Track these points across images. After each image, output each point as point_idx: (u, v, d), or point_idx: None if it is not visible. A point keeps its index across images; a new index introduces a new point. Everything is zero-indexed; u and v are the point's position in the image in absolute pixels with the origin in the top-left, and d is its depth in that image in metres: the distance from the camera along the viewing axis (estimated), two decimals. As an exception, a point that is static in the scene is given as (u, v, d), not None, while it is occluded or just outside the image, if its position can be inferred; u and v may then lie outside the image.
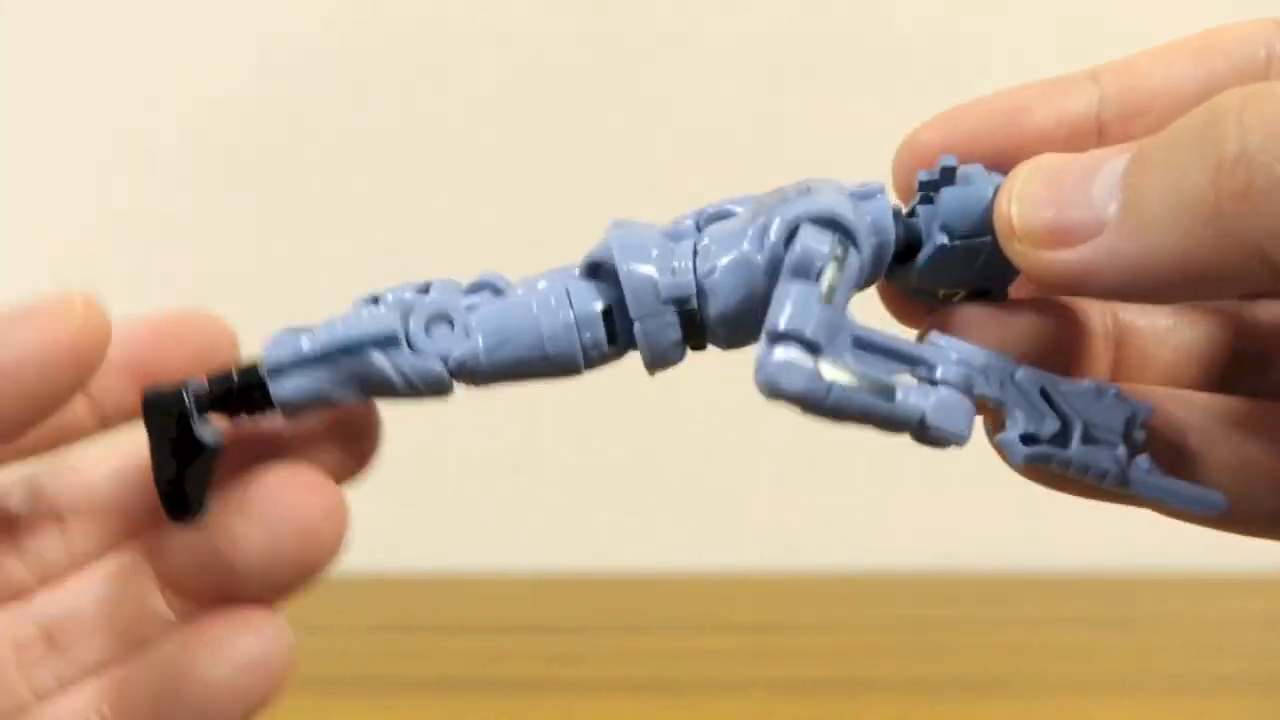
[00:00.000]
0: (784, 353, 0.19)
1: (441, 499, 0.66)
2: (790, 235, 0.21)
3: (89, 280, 0.71)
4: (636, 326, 0.22)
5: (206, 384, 0.22)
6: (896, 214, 0.23)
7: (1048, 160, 0.21)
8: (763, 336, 0.20)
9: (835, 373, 0.20)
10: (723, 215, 0.23)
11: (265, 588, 0.22)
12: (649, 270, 0.22)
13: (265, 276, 0.66)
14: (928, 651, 0.57)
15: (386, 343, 0.22)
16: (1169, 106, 0.22)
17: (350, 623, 0.57)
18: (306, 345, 0.22)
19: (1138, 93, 0.22)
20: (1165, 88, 0.22)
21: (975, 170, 0.23)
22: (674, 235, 0.23)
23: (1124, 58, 0.23)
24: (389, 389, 0.23)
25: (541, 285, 0.23)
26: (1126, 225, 0.19)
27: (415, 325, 0.23)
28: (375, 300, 0.23)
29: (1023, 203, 0.20)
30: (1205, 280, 0.18)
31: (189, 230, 0.66)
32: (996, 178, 0.22)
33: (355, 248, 0.66)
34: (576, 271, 0.23)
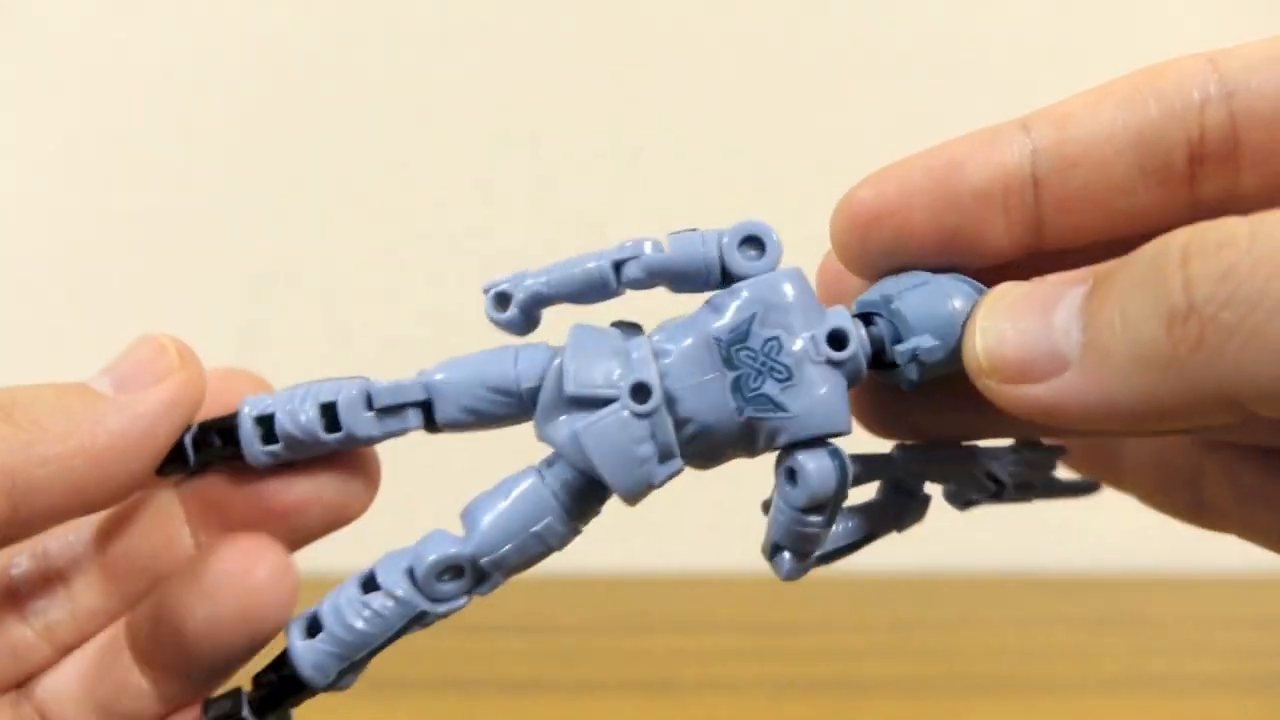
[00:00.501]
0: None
1: (441, 499, 0.65)
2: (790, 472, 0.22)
3: (90, 281, 0.71)
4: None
5: (254, 689, 0.24)
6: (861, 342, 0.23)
7: (1009, 293, 0.21)
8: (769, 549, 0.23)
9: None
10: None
11: (214, 655, 0.24)
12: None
13: (265, 276, 0.66)
14: (928, 651, 0.57)
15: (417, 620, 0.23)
16: (1103, 159, 0.22)
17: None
18: (336, 661, 0.23)
19: (1071, 144, 0.22)
20: (1098, 138, 0.22)
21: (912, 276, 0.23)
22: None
23: (1057, 104, 0.23)
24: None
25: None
26: (1090, 369, 0.19)
27: (426, 589, 0.23)
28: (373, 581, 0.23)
29: (987, 338, 0.21)
30: (1173, 420, 0.19)
31: (189, 230, 0.66)
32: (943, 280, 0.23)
33: (355, 247, 0.66)
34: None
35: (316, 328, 0.66)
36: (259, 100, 0.66)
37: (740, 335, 0.22)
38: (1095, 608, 0.61)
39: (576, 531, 0.23)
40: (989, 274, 0.23)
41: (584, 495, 0.23)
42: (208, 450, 0.24)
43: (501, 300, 0.23)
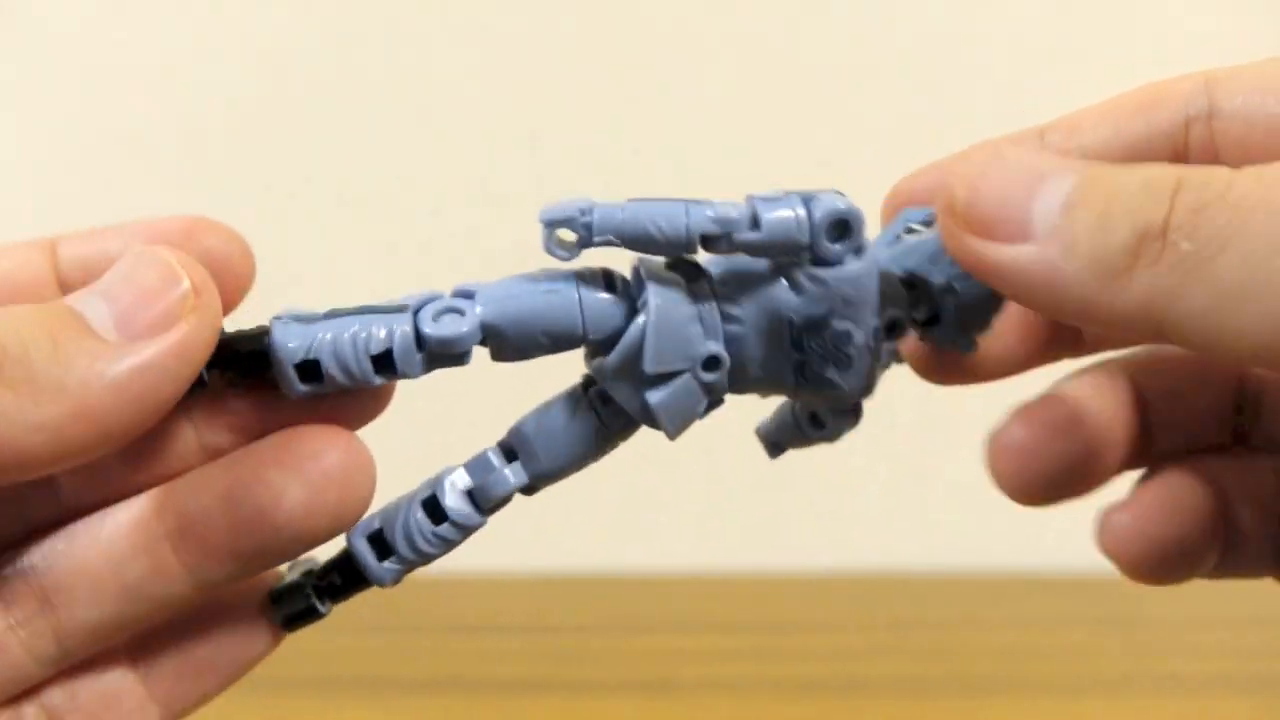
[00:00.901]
0: None
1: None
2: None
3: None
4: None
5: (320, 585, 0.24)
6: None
7: (1006, 155, 0.22)
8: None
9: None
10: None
11: (297, 541, 0.22)
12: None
13: (264, 276, 0.66)
14: (928, 651, 0.57)
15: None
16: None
17: (350, 623, 0.56)
18: (404, 573, 0.24)
19: (1077, 153, 0.24)
20: (1099, 150, 0.25)
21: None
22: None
23: (1072, 114, 0.25)
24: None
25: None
26: (1050, 249, 0.21)
27: (486, 512, 0.24)
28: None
29: (969, 188, 0.22)
30: (1098, 322, 0.21)
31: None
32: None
33: (355, 248, 0.66)
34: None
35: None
36: (258, 101, 0.66)
37: (815, 325, 0.22)
38: (1095, 608, 0.61)
39: (612, 449, 0.24)
40: None
41: (629, 427, 0.24)
42: (228, 376, 0.22)
43: (564, 237, 0.22)
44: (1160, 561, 0.27)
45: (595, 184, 0.73)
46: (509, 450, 0.24)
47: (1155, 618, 0.60)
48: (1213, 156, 0.24)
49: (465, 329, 0.22)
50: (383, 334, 0.22)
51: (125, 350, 0.20)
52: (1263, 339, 0.19)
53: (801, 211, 0.22)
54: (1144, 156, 0.24)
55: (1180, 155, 0.24)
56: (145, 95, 0.66)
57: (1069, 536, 0.63)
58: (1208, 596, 0.61)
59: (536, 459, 0.24)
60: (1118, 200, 0.20)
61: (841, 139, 0.63)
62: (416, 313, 0.22)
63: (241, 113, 0.66)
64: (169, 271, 0.21)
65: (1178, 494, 0.27)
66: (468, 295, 0.23)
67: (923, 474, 0.66)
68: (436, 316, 0.22)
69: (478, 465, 0.24)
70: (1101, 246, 0.20)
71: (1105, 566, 0.27)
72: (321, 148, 0.66)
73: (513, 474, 0.24)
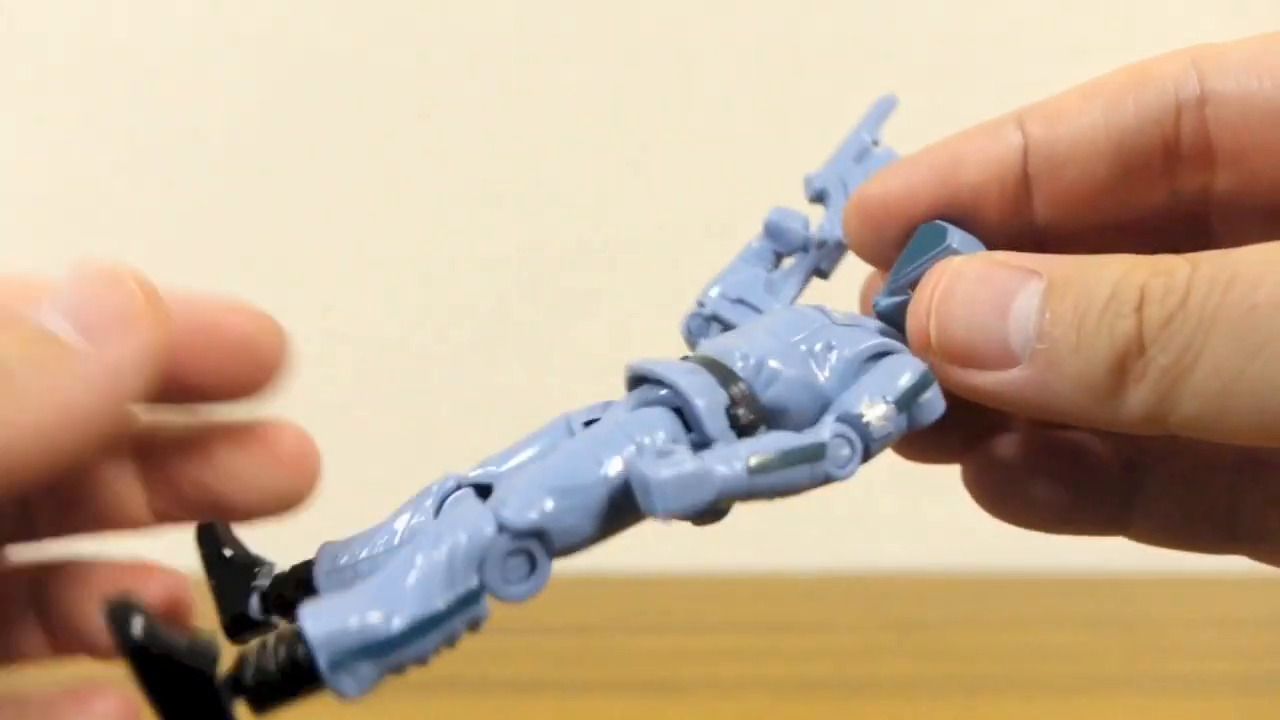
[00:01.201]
0: None
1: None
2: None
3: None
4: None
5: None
6: None
7: (965, 273, 0.22)
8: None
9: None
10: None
11: (244, 513, 0.24)
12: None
13: (266, 276, 0.66)
14: (928, 651, 0.57)
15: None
16: (1088, 160, 0.24)
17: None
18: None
19: (1060, 143, 0.24)
20: (1083, 140, 0.24)
21: None
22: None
23: (1050, 100, 0.24)
24: None
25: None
26: (1039, 372, 0.21)
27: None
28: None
29: (939, 319, 0.22)
30: (1104, 425, 0.21)
31: (188, 231, 0.66)
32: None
33: (356, 248, 0.66)
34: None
35: (316, 328, 0.66)
36: (257, 102, 0.66)
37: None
38: (1095, 608, 0.61)
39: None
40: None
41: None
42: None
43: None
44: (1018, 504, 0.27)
45: (596, 184, 0.73)
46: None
47: (1155, 618, 0.60)
48: (1205, 145, 0.23)
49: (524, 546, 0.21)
50: (445, 566, 0.20)
51: (93, 352, 0.20)
52: (1260, 429, 0.19)
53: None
54: (1131, 147, 0.23)
55: (1171, 145, 0.23)
56: (145, 94, 0.66)
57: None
58: (1208, 596, 0.61)
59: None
60: (1089, 318, 0.20)
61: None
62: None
63: (243, 113, 0.66)
64: (115, 277, 0.21)
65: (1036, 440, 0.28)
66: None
67: (922, 474, 0.66)
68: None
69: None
70: (1086, 368, 0.20)
71: (1105, 566, 0.27)
72: (321, 149, 0.66)
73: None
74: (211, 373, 0.24)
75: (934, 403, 0.22)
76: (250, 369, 0.24)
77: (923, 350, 0.22)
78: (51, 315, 0.21)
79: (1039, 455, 0.27)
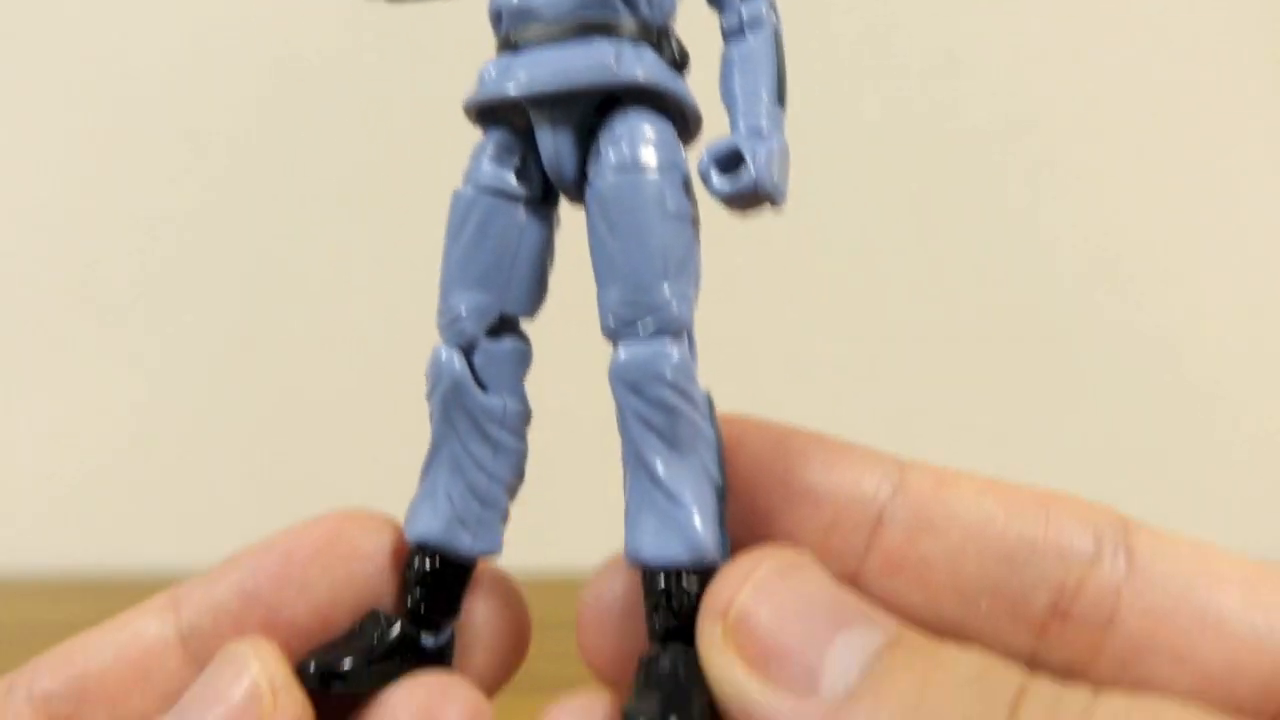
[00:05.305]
0: None
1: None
2: None
3: (90, 282, 0.71)
4: None
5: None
6: None
7: (804, 573, 0.19)
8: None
9: None
10: None
11: None
12: None
13: (266, 276, 0.66)
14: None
15: None
16: (959, 541, 0.20)
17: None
18: None
19: (940, 509, 0.20)
20: (969, 521, 0.20)
21: None
22: None
23: (942, 470, 0.21)
24: None
25: None
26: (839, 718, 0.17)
27: None
28: None
29: (753, 603, 0.18)
30: None
31: (190, 231, 0.66)
32: None
33: (356, 248, 0.66)
34: None
35: (316, 329, 0.66)
36: (258, 104, 0.66)
37: None
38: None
39: None
40: None
41: None
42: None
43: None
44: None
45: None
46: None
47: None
48: (1108, 615, 0.19)
49: None
50: None
51: None
52: None
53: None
54: (1019, 568, 0.19)
55: (1067, 593, 0.19)
56: (146, 95, 0.66)
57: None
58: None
59: None
60: (944, 690, 0.16)
61: (843, 138, 0.63)
62: None
63: (244, 113, 0.66)
64: (252, 687, 0.20)
65: None
66: None
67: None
68: None
69: None
70: None
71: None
72: (321, 150, 0.66)
73: None
74: None
75: None
76: (376, 579, 0.24)
77: (711, 616, 0.19)
78: None
79: None
